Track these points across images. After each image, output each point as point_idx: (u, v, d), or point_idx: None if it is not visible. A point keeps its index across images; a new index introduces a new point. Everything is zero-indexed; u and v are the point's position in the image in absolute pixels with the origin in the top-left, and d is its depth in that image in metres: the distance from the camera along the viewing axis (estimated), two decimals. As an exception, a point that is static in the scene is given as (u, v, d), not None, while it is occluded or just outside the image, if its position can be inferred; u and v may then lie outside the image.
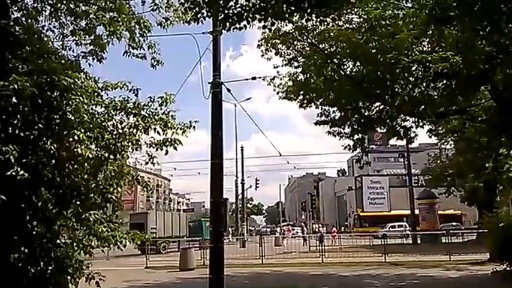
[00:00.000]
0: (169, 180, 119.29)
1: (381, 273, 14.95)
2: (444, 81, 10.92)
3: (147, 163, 7.88)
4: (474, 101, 12.63)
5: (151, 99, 8.01)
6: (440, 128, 14.79)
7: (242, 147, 44.72)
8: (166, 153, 7.69)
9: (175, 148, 7.71)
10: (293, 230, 48.44)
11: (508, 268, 12.70)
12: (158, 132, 7.83)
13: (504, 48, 8.00)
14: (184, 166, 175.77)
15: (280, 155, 36.73)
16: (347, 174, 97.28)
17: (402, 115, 13.83)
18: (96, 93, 7.70)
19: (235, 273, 15.06)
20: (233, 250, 23.46)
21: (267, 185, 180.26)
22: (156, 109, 7.92)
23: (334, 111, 14.50)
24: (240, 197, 45.39)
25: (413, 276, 14.00)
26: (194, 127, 8.68)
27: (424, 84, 11.48)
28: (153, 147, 7.76)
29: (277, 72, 14.63)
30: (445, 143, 28.57)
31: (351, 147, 14.68)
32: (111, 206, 8.17)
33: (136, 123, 7.77)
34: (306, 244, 28.31)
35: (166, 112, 8.09)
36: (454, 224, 44.18)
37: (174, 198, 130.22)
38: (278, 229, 58.01)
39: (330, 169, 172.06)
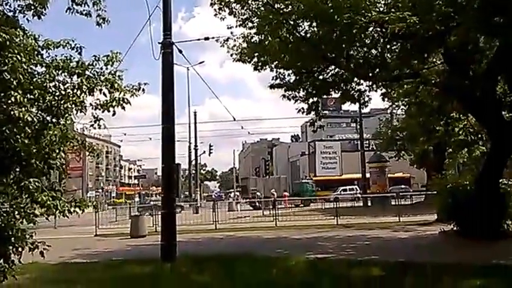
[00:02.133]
0: (119, 147, 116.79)
1: (333, 235, 15.44)
2: (400, 42, 11.02)
3: (92, 125, 7.51)
4: (427, 64, 12.91)
5: (97, 58, 7.58)
6: (393, 92, 15.07)
7: (195, 112, 44.33)
8: (114, 114, 7.37)
9: (123, 108, 7.39)
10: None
11: (455, 228, 13.44)
12: (104, 94, 7.47)
13: (461, 7, 8.11)
14: (135, 132, 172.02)
15: (235, 120, 36.68)
16: (300, 140, 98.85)
17: (357, 79, 13.96)
18: (36, 52, 7.21)
19: (188, 239, 15.07)
20: (186, 216, 23.41)
21: (220, 150, 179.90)
22: (101, 69, 7.53)
23: (289, 75, 14.43)
24: (193, 162, 45.16)
25: (364, 237, 14.56)
26: (144, 90, 8.39)
27: (380, 46, 11.54)
28: (99, 109, 7.40)
29: (231, 33, 14.27)
30: (396, 108, 29.51)
31: (305, 110, 14.74)
32: (57, 173, 7.83)
33: (80, 84, 7.36)
34: (260, 208, 28.72)
35: (112, 72, 7.70)
36: (402, 186, 46.19)
37: (124, 165, 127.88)
38: (232, 194, 58.57)
39: (284, 134, 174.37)
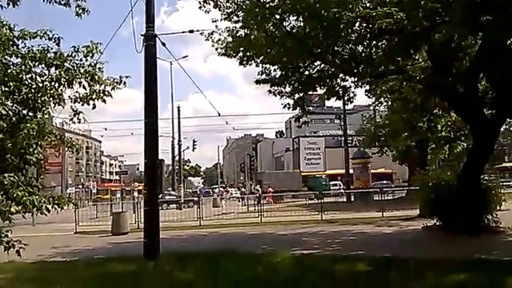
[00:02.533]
0: (100, 142, 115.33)
1: (318, 230, 15.42)
2: (387, 38, 10.97)
3: (71, 119, 7.24)
4: (413, 60, 12.93)
5: (76, 49, 7.30)
6: (378, 89, 15.08)
7: (179, 107, 43.78)
8: (94, 107, 7.11)
9: (103, 101, 7.15)
10: (229, 191, 49.01)
11: (437, 223, 13.53)
12: (84, 87, 7.21)
13: (447, 4, 8.07)
14: (117, 127, 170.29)
15: (219, 115, 36.43)
16: (285, 136, 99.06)
17: (342, 74, 13.90)
18: (11, 42, 6.91)
19: (172, 236, 14.87)
20: (169, 213, 23.18)
21: (204, 146, 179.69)
22: (81, 60, 7.24)
23: (275, 70, 14.28)
24: (176, 158, 44.76)
25: (349, 233, 14.57)
26: (125, 83, 8.13)
27: (367, 42, 11.48)
28: (78, 102, 7.15)
29: (216, 26, 14.06)
30: (380, 105, 29.61)
31: (291, 106, 14.64)
32: (35, 169, 7.58)
33: (59, 76, 7.08)
34: (244, 205, 28.64)
35: (93, 64, 7.44)
36: (384, 182, 46.58)
37: (105, 161, 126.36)
38: (217, 190, 58.43)
39: (268, 130, 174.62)
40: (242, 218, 20.91)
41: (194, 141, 51.16)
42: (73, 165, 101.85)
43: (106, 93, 7.16)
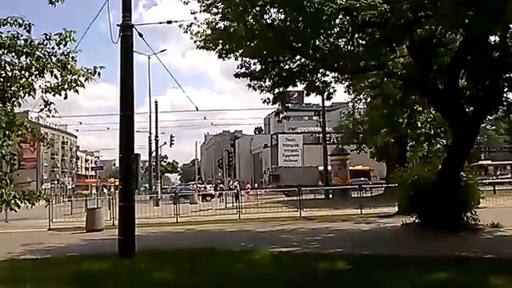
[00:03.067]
0: (75, 137, 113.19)
1: (296, 227, 15.30)
2: (370, 31, 10.87)
3: (42, 110, 6.90)
4: (395, 55, 12.91)
5: (48, 37, 6.96)
6: (358, 84, 15.01)
7: (156, 101, 43.24)
8: (66, 97, 6.80)
9: (76, 91, 6.85)
10: (204, 188, 48.66)
11: (416, 220, 13.56)
12: (56, 77, 6.88)
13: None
14: (93, 122, 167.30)
15: (197, 110, 35.96)
16: (263, 132, 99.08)
17: (323, 69, 13.79)
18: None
19: (148, 233, 14.56)
20: (146, 209, 22.76)
21: (182, 142, 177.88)
22: (53, 49, 6.92)
23: (254, 64, 14.08)
24: (153, 154, 44.17)
25: (327, 230, 14.50)
26: (99, 74, 7.89)
27: (349, 35, 11.35)
28: (50, 93, 6.81)
29: (195, 18, 13.77)
30: (358, 101, 29.76)
31: (271, 101, 14.45)
32: (8, 164, 7.23)
33: (29, 64, 6.75)
34: (222, 201, 28.44)
35: (65, 53, 7.12)
36: (362, 179, 46.95)
37: (81, 156, 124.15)
38: (195, 186, 57.95)
39: (247, 127, 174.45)
40: (220, 215, 20.67)
41: (172, 137, 50.55)
42: (48, 161, 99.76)
43: (79, 83, 6.84)
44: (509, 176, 50.46)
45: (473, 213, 12.95)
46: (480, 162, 47.43)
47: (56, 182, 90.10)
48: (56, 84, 6.76)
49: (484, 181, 23.83)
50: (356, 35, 11.22)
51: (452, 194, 12.40)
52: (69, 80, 6.88)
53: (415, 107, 14.49)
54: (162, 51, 54.87)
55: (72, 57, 7.28)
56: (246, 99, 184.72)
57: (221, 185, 51.42)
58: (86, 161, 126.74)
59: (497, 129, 76.50)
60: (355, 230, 14.27)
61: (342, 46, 12.88)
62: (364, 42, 11.55)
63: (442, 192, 12.40)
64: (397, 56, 12.96)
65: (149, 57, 39.63)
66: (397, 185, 15.88)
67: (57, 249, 12.13)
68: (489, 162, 55.17)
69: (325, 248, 10.64)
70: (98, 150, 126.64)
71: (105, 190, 54.54)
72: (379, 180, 49.32)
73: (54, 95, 6.83)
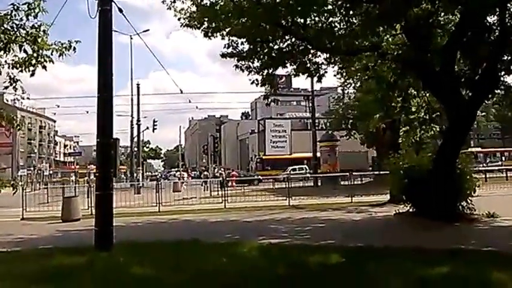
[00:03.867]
0: (54, 121, 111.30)
1: (285, 217, 15.01)
2: (366, 6, 10.44)
3: (6, 88, 6.38)
4: (387, 36, 12.53)
5: (15, 7, 6.40)
6: (350, 66, 14.58)
7: (138, 84, 42.42)
8: (33, 74, 6.28)
9: (44, 67, 6.31)
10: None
11: (410, 209, 13.32)
12: (25, 51, 6.34)
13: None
14: (72, 105, 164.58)
15: (182, 92, 35.31)
16: (250, 117, 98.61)
17: (314, 50, 13.36)
18: None
19: (128, 223, 14.13)
20: (126, 197, 22.25)
21: (166, 127, 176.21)
22: (21, 20, 6.36)
23: (242, 43, 13.57)
24: (135, 139, 43.40)
25: (317, 219, 14.20)
26: (75, 49, 7.38)
27: (344, 10, 10.88)
28: (17, 68, 6.28)
29: (180, -7, 13.15)
30: (348, 86, 29.32)
31: (259, 82, 13.99)
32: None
33: (-5, 37, 6.20)
34: (207, 189, 28.06)
35: (36, 26, 6.57)
36: (351, 166, 46.90)
37: (60, 141, 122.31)
38: (178, 174, 57.47)
39: (233, 111, 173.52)
40: (205, 204, 20.28)
41: (154, 122, 49.75)
42: (25, 146, 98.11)
43: (46, 58, 6.32)
44: (499, 163, 51.06)
45: (469, 202, 12.75)
46: (470, 149, 47.65)
47: (32, 169, 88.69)
48: (23, 59, 6.23)
49: (475, 168, 23.77)
50: (351, 12, 10.75)
51: (447, 182, 12.18)
52: (35, 55, 6.33)
53: (409, 91, 14.15)
54: (144, 31, 54.01)
55: (44, 31, 6.77)
56: (233, 83, 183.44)
57: (205, 172, 50.88)
58: (65, 146, 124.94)
59: (486, 116, 77.25)
60: (346, 220, 13.99)
61: (334, 25, 12.44)
62: (359, 20, 11.09)
63: (437, 180, 12.19)
64: (392, 36, 12.57)
65: (131, 38, 38.81)
66: (388, 172, 15.64)
67: (28, 241, 11.63)
68: (479, 149, 55.66)
69: (316, 239, 10.30)
70: (77, 135, 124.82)
71: (73, 177, 53.50)
72: (369, 168, 49.47)
73: (21, 71, 6.32)
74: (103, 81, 10.02)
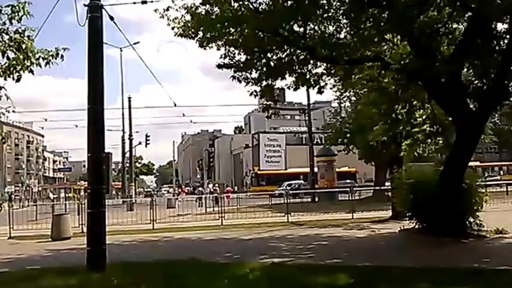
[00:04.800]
0: (42, 136, 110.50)
1: (285, 234, 14.54)
2: (375, 12, 10.16)
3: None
4: (391, 45, 12.28)
5: (-3, 10, 6.04)
6: (349, 78, 14.27)
7: (129, 97, 41.92)
8: (19, 79, 5.90)
9: (31, 72, 5.95)
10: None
11: (417, 226, 12.92)
12: (8, 58, 5.97)
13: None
14: (60, 120, 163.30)
15: (175, 106, 35.01)
16: (244, 132, 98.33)
17: (315, 60, 13.07)
18: None
19: (121, 241, 13.64)
20: (119, 214, 21.71)
21: (158, 143, 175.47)
22: (4, 24, 6.00)
23: (239, 53, 13.22)
24: (127, 154, 42.83)
25: (319, 236, 13.76)
26: (62, 56, 7.00)
27: (349, 16, 10.57)
28: (1, 76, 5.91)
29: (173, 1, 12.83)
30: (345, 99, 29.06)
31: (258, 93, 13.62)
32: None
33: (-25, 44, 5.83)
34: (201, 205, 27.57)
35: (20, 30, 6.21)
36: (348, 181, 46.51)
37: (49, 157, 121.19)
38: (170, 189, 56.77)
39: (226, 126, 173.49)
40: (200, 221, 19.78)
41: (147, 136, 49.21)
42: (12, 162, 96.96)
43: (34, 61, 5.94)
44: (498, 177, 50.92)
45: (477, 217, 12.38)
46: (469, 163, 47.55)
47: (20, 185, 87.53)
48: (6, 65, 5.85)
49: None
50: (358, 18, 10.44)
51: (455, 197, 11.82)
52: (20, 58, 5.96)
53: (414, 103, 13.86)
54: (135, 43, 53.62)
55: (29, 37, 6.39)
56: (225, 97, 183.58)
57: (200, 188, 50.25)
58: (54, 162, 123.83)
59: (484, 130, 77.41)
60: (349, 237, 13.55)
61: (336, 34, 12.19)
62: (365, 27, 10.79)
63: (445, 195, 11.81)
64: (395, 45, 12.31)
65: (121, 50, 38.71)
66: (390, 187, 15.26)
67: (15, 262, 11.10)
68: (477, 163, 55.51)
69: (321, 258, 9.88)
70: (66, 151, 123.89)
71: (82, 193, 52.53)
72: (365, 183, 49.12)
73: (5, 79, 5.93)
74: (93, 91, 9.64)
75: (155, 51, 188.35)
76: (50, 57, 6.64)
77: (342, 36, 12.10)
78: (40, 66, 6.08)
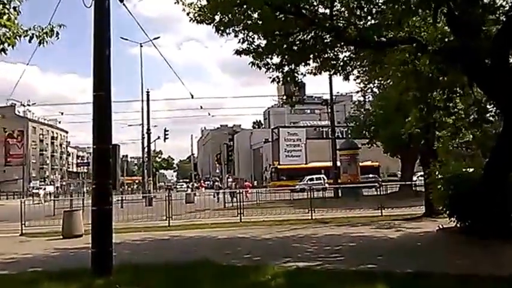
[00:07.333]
0: (66, 132, 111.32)
1: (310, 233, 13.32)
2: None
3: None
4: (427, 25, 10.95)
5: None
6: (384, 60, 12.89)
7: (148, 91, 41.29)
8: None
9: (10, 45, 4.98)
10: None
11: (457, 225, 11.58)
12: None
13: None
14: (84, 115, 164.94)
15: (192, 97, 34.02)
16: (263, 126, 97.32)
17: (342, 43, 11.82)
18: None
19: (134, 240, 12.71)
20: (137, 209, 20.91)
21: (178, 138, 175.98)
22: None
23: (259, 37, 12.04)
24: (146, 149, 42.20)
25: (347, 237, 12.44)
26: (58, 34, 6.05)
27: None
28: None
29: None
30: (369, 90, 27.49)
31: (280, 80, 12.42)
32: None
33: None
34: (219, 201, 26.66)
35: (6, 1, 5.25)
36: (371, 176, 44.89)
37: (73, 152, 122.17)
38: (190, 184, 56.21)
39: (246, 121, 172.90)
40: (218, 217, 18.74)
41: (166, 131, 48.46)
42: (36, 157, 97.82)
43: (11, 35, 4.93)
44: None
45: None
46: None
47: (43, 180, 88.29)
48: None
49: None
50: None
51: (502, 194, 10.46)
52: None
53: (455, 89, 12.47)
54: (155, 38, 53.04)
55: (15, 8, 5.42)
56: (243, 94, 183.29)
57: (217, 183, 49.39)
58: (78, 157, 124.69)
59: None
60: (381, 237, 12.19)
61: (365, 13, 10.91)
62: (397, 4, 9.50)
63: (490, 192, 10.48)
64: (432, 25, 10.97)
65: (141, 46, 38.25)
66: (423, 182, 13.93)
67: (19, 262, 10.24)
68: None
69: (352, 262, 8.65)
70: (89, 146, 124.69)
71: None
72: (387, 177, 47.41)
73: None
74: (99, 77, 8.61)
75: (176, 49, 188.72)
76: (44, 35, 5.69)
77: (372, 15, 10.77)
78: (30, 42, 5.15)
